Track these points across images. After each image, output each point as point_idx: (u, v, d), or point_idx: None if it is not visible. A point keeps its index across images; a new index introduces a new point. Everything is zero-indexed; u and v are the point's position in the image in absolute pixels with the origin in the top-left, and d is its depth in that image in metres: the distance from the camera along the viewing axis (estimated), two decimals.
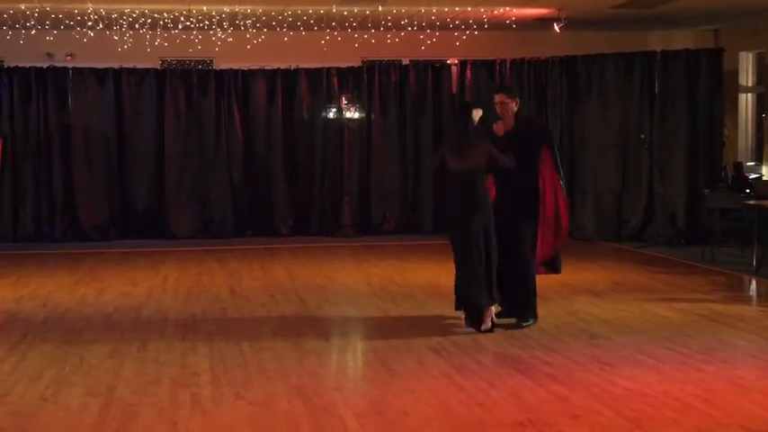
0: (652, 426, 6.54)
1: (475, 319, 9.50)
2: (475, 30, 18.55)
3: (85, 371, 8.17)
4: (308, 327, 9.98)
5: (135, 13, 16.36)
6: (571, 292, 11.88)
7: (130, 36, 18.50)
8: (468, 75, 18.26)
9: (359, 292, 12.30)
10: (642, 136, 17.08)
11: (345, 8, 16.33)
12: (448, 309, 10.32)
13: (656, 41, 19.91)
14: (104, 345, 9.17)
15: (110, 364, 8.38)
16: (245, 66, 18.42)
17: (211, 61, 19.76)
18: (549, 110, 17.95)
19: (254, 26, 17.97)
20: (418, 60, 19.38)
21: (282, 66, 18.43)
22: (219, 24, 17.81)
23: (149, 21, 17.25)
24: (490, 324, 9.44)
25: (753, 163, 19.15)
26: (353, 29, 18.48)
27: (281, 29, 18.42)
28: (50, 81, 17.68)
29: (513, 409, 6.93)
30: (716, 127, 17.26)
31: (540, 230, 9.76)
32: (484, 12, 16.84)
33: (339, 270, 14.17)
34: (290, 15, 16.94)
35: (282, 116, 18.24)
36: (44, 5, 15.50)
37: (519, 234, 9.70)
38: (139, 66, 18.16)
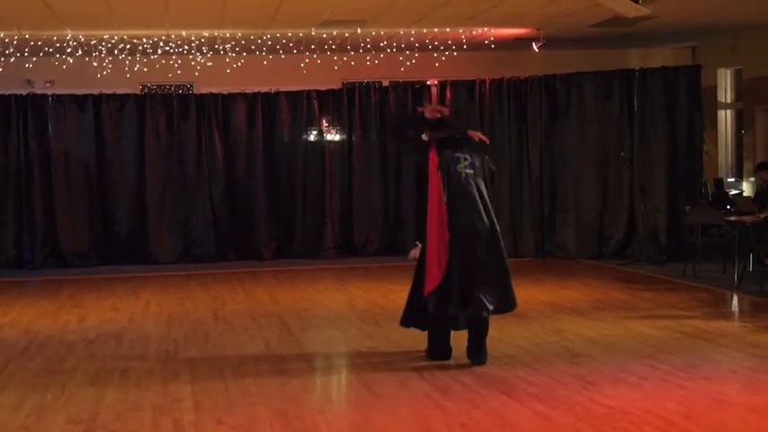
0: None
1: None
2: (454, 50, 18.62)
3: (67, 398, 8.13)
4: (290, 350, 9.96)
5: (114, 38, 16.37)
6: (553, 310, 11.90)
7: (110, 62, 18.49)
8: (448, 95, 18.32)
9: (342, 314, 12.29)
10: (622, 154, 17.14)
11: (324, 31, 16.37)
12: None
13: (635, 59, 20.02)
14: (86, 372, 9.13)
15: (91, 391, 8.34)
16: (225, 90, 18.43)
17: (191, 86, 19.77)
18: (528, 128, 18.00)
19: (233, 50, 17.99)
20: (398, 81, 19.44)
21: (263, 89, 18.46)
22: (199, 49, 17.83)
23: (129, 46, 17.25)
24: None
25: (733, 179, 19.25)
26: (333, 51, 18.53)
27: (261, 52, 18.45)
28: (30, 108, 17.67)
29: (496, 430, 6.93)
30: (696, 143, 17.34)
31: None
32: (463, 32, 16.90)
33: (322, 292, 14.17)
34: (269, 39, 16.97)
35: (263, 139, 18.27)
36: (23, 33, 15.50)
37: None
38: (119, 91, 18.16)
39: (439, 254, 8.91)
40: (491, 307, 8.95)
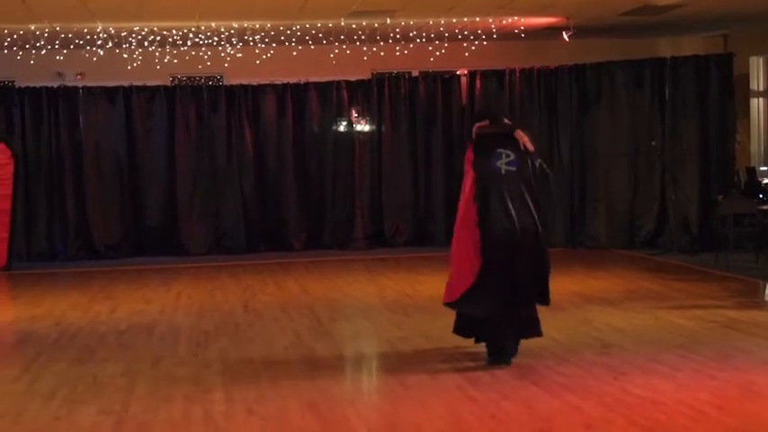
0: None
1: None
2: (484, 40, 18.55)
3: (98, 389, 8.18)
4: (320, 341, 9.97)
5: (144, 30, 16.42)
6: (584, 300, 11.86)
7: (140, 54, 18.55)
8: (478, 85, 18.28)
9: (372, 305, 12.30)
10: (653, 143, 17.05)
11: (354, 21, 16.35)
12: None
13: (666, 48, 19.87)
14: (117, 363, 9.18)
15: (123, 382, 8.39)
16: (254, 81, 18.45)
17: (221, 77, 19.80)
18: (559, 118, 17.94)
19: (263, 41, 18.00)
20: (428, 72, 19.39)
21: (292, 80, 18.48)
22: (228, 40, 17.85)
23: (159, 38, 17.30)
24: None
25: (766, 168, 19.07)
26: (362, 42, 18.51)
27: (290, 43, 18.45)
28: (61, 100, 17.78)
29: (526, 421, 6.91)
30: (728, 132, 17.23)
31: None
32: (492, 22, 16.84)
33: (352, 283, 14.18)
34: (298, 30, 16.97)
35: (293, 130, 18.29)
36: (54, 25, 15.57)
37: None
38: (149, 83, 18.22)
39: (471, 256, 8.58)
40: (523, 306, 8.69)
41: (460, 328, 9.05)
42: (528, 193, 8.62)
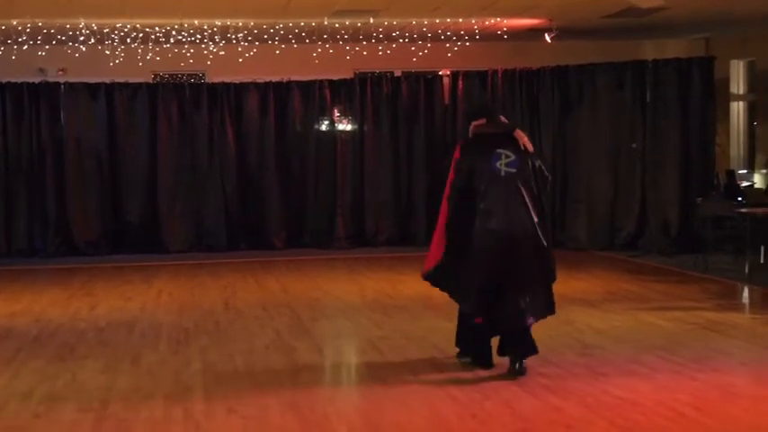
0: None
1: None
2: (467, 41, 18.59)
3: (78, 386, 8.15)
4: (301, 340, 9.96)
5: (127, 27, 16.37)
6: (565, 301, 11.82)
7: (122, 50, 18.49)
8: (461, 85, 18.31)
9: (352, 304, 12.30)
10: (634, 145, 17.11)
11: (337, 21, 16.36)
12: (441, 320, 10.33)
13: (648, 50, 19.94)
14: (97, 360, 9.15)
15: (102, 380, 8.36)
16: (237, 79, 18.43)
17: (203, 75, 19.76)
18: (541, 120, 17.98)
19: (245, 39, 17.98)
20: (410, 72, 19.40)
21: (274, 79, 18.46)
22: (211, 38, 17.82)
23: (141, 35, 17.25)
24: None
25: (745, 171, 19.18)
26: (345, 41, 18.51)
27: (273, 42, 18.43)
28: (43, 96, 17.71)
29: (508, 421, 6.93)
30: (708, 135, 17.30)
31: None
32: (475, 23, 16.87)
33: (332, 283, 14.18)
34: (281, 28, 16.96)
35: (275, 129, 18.27)
36: (36, 21, 15.50)
37: None
38: (132, 80, 18.17)
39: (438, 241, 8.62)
40: (529, 314, 8.21)
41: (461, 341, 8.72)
42: (528, 196, 8.26)
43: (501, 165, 8.30)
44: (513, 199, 8.23)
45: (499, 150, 8.34)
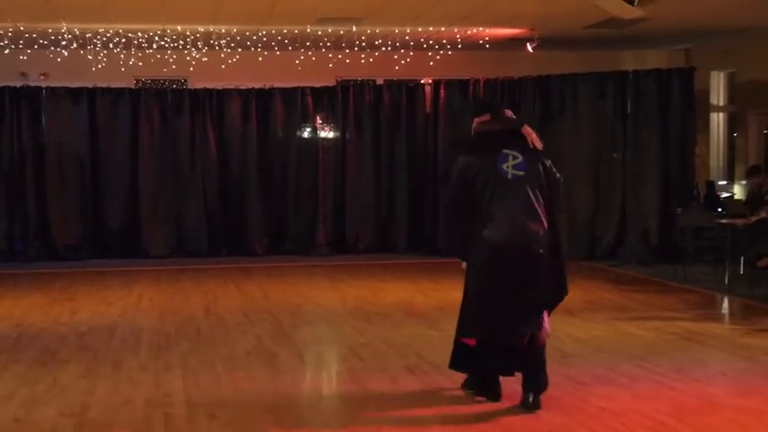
0: None
1: None
2: (449, 50, 18.64)
3: (59, 391, 8.13)
4: (282, 346, 9.97)
5: (109, 32, 16.36)
6: None
7: (105, 56, 18.47)
8: (442, 94, 18.34)
9: (333, 311, 12.31)
10: (615, 155, 17.19)
11: (320, 28, 16.38)
12: (422, 328, 10.34)
13: (629, 61, 20.04)
14: (78, 364, 9.14)
15: (83, 384, 8.34)
16: (219, 85, 18.44)
17: (186, 81, 19.75)
18: None
19: (228, 46, 17.99)
20: (392, 80, 19.45)
21: (257, 85, 18.47)
22: (194, 44, 17.82)
23: (124, 40, 17.24)
24: None
25: (724, 182, 19.30)
26: (328, 48, 18.53)
27: (256, 48, 18.44)
28: (24, 100, 17.66)
29: (488, 429, 6.95)
30: (688, 146, 17.40)
31: None
32: (458, 32, 16.92)
33: (313, 289, 14.19)
34: (264, 35, 16.97)
35: (257, 135, 18.27)
36: (18, 25, 15.48)
37: None
38: (114, 85, 18.15)
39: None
40: (528, 330, 7.46)
41: (457, 362, 7.83)
42: (537, 202, 7.37)
43: (508, 167, 7.38)
44: (520, 206, 7.32)
45: (506, 151, 7.43)
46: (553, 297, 7.64)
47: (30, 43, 17.17)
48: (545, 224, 7.36)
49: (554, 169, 7.59)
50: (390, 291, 13.67)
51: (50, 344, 10.17)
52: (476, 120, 7.78)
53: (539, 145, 7.54)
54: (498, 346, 7.49)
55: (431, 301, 12.83)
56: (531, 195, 7.34)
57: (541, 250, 7.33)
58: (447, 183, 7.80)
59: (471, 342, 7.57)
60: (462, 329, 7.65)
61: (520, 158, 7.41)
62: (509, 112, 7.91)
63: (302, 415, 7.38)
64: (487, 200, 7.35)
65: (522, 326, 7.41)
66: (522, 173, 7.38)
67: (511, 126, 7.69)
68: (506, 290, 7.35)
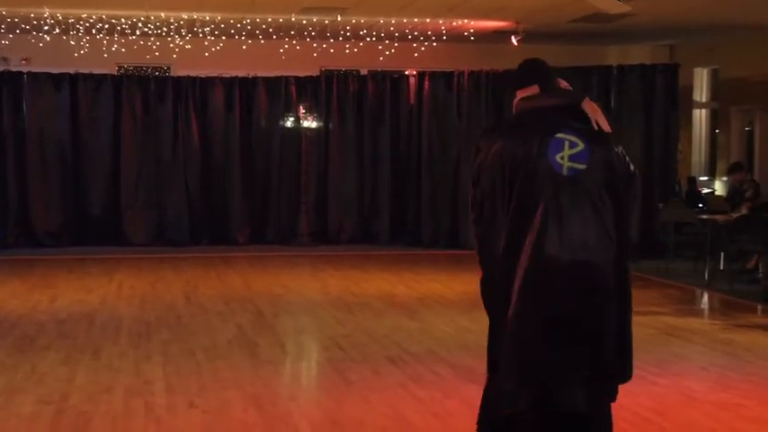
0: None
1: None
2: (433, 41, 18.62)
3: (38, 378, 8.09)
4: (263, 336, 9.94)
5: (92, 18, 16.26)
6: None
7: (87, 41, 18.36)
8: (426, 86, 18.29)
9: (315, 301, 12.29)
10: None
11: (304, 17, 16.33)
12: (404, 319, 10.33)
13: (614, 56, 20.08)
14: (57, 352, 9.09)
15: (63, 372, 8.30)
16: (202, 73, 18.33)
17: (169, 68, 19.66)
18: None
19: (212, 33, 17.92)
20: (376, 71, 19.42)
21: (240, 74, 18.38)
22: (177, 31, 17.74)
23: (106, 26, 17.15)
24: None
25: (706, 178, 19.37)
26: (312, 38, 18.49)
27: (240, 37, 18.38)
28: (5, 86, 17.49)
29: (469, 420, 6.92)
30: (671, 142, 17.43)
31: None
32: (442, 23, 16.90)
33: (295, 279, 14.15)
34: (248, 23, 16.91)
35: (240, 124, 18.18)
36: None
37: None
38: (96, 71, 18.01)
39: None
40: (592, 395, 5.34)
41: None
42: (604, 208, 5.05)
43: (563, 158, 5.05)
44: (580, 211, 5.00)
45: (560, 135, 5.09)
46: (615, 335, 5.28)
47: (11, 28, 17.06)
48: (611, 238, 5.03)
49: (627, 159, 5.35)
50: (372, 282, 13.65)
51: (29, 331, 10.11)
52: (518, 93, 5.48)
53: (606, 126, 5.26)
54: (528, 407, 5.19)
55: (412, 292, 12.82)
56: (596, 197, 5.05)
57: (606, 271, 5.02)
58: (472, 200, 5.29)
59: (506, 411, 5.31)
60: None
61: (580, 146, 5.09)
62: (564, 83, 5.62)
63: (283, 405, 7.35)
64: (534, 205, 5.02)
65: (571, 375, 5.20)
66: (582, 166, 5.07)
67: (568, 100, 5.39)
68: (559, 325, 5.02)
